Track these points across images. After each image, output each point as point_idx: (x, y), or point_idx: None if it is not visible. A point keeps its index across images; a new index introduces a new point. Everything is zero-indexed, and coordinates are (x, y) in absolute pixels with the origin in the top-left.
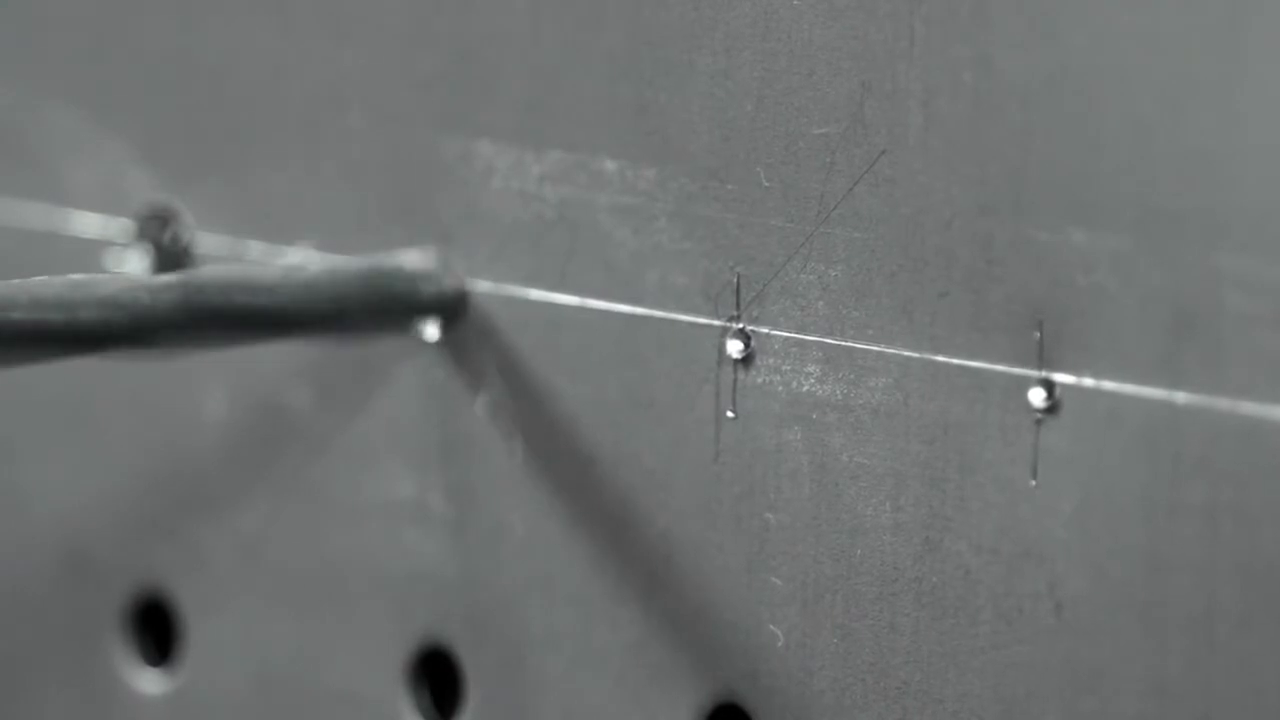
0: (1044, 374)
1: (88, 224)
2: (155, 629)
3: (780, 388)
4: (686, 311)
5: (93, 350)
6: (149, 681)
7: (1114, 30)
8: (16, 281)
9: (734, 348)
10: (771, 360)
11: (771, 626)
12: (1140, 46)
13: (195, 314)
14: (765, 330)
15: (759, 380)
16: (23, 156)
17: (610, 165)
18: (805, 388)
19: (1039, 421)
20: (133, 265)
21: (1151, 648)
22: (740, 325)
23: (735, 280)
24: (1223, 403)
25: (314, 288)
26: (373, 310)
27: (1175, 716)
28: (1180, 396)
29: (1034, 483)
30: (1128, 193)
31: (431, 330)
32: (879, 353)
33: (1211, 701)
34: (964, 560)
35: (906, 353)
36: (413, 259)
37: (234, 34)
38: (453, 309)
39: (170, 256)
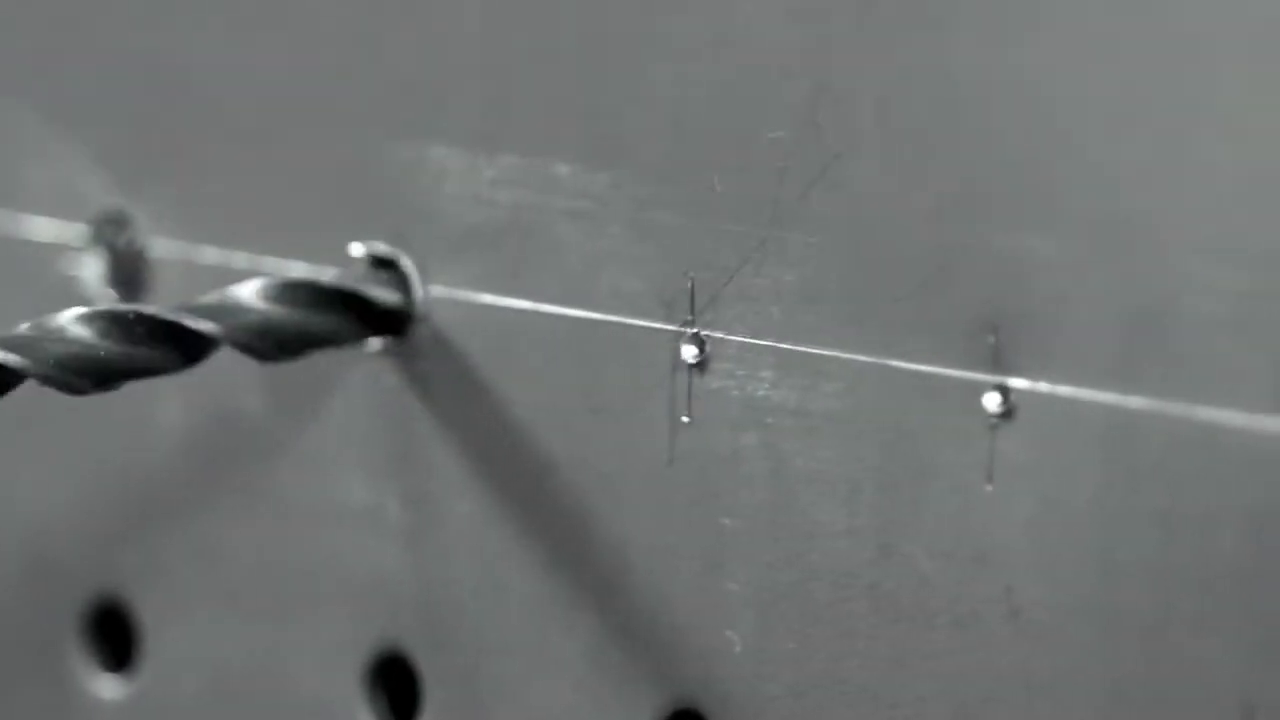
0: (999, 379)
1: (42, 229)
2: (113, 635)
3: (735, 392)
4: (640, 316)
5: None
6: (107, 687)
7: (1070, 35)
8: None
9: (688, 353)
10: (726, 365)
11: (728, 631)
12: (1097, 51)
13: (153, 342)
14: (719, 335)
15: (713, 385)
16: None
17: (563, 169)
18: (760, 392)
19: (994, 426)
20: (88, 270)
21: (1107, 652)
22: (694, 330)
23: (689, 285)
24: (1178, 408)
25: (269, 308)
26: (326, 322)
27: None
28: (1135, 401)
29: (989, 488)
30: (1083, 197)
31: (379, 339)
32: (833, 357)
33: (1166, 706)
34: (919, 565)
35: (861, 358)
36: (361, 266)
37: (189, 39)
38: (404, 315)
39: (125, 261)
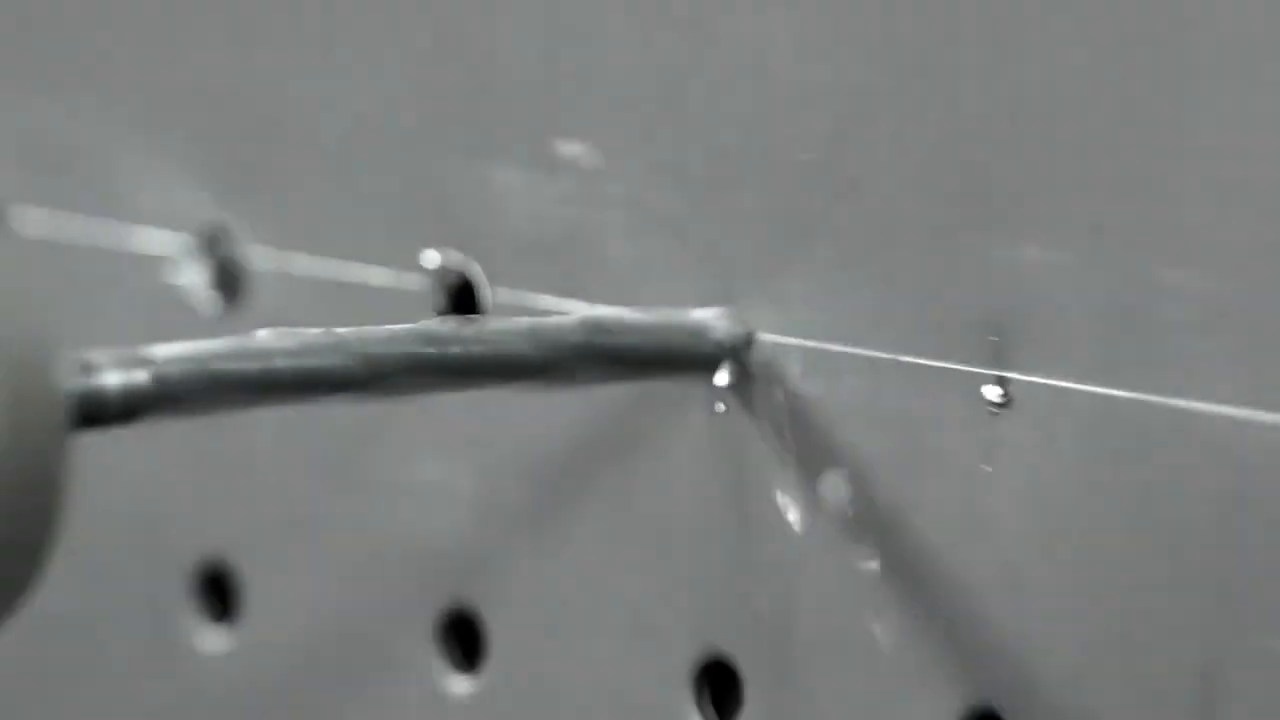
0: (999, 373)
1: (147, 240)
2: (219, 593)
3: (766, 385)
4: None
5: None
6: (212, 640)
7: (1065, 63)
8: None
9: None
10: (759, 360)
11: (757, 595)
12: (1089, 78)
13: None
14: (755, 333)
15: (748, 377)
16: (87, 175)
17: (616, 189)
18: (789, 384)
19: (994, 415)
20: (190, 279)
21: (1088, 613)
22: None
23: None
24: (1155, 398)
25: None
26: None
27: (1104, 670)
28: (1118, 392)
29: (988, 468)
30: (1074, 211)
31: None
32: (853, 354)
33: (1135, 662)
34: (925, 538)
35: (878, 354)
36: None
37: (284, 62)
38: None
39: (226, 270)
